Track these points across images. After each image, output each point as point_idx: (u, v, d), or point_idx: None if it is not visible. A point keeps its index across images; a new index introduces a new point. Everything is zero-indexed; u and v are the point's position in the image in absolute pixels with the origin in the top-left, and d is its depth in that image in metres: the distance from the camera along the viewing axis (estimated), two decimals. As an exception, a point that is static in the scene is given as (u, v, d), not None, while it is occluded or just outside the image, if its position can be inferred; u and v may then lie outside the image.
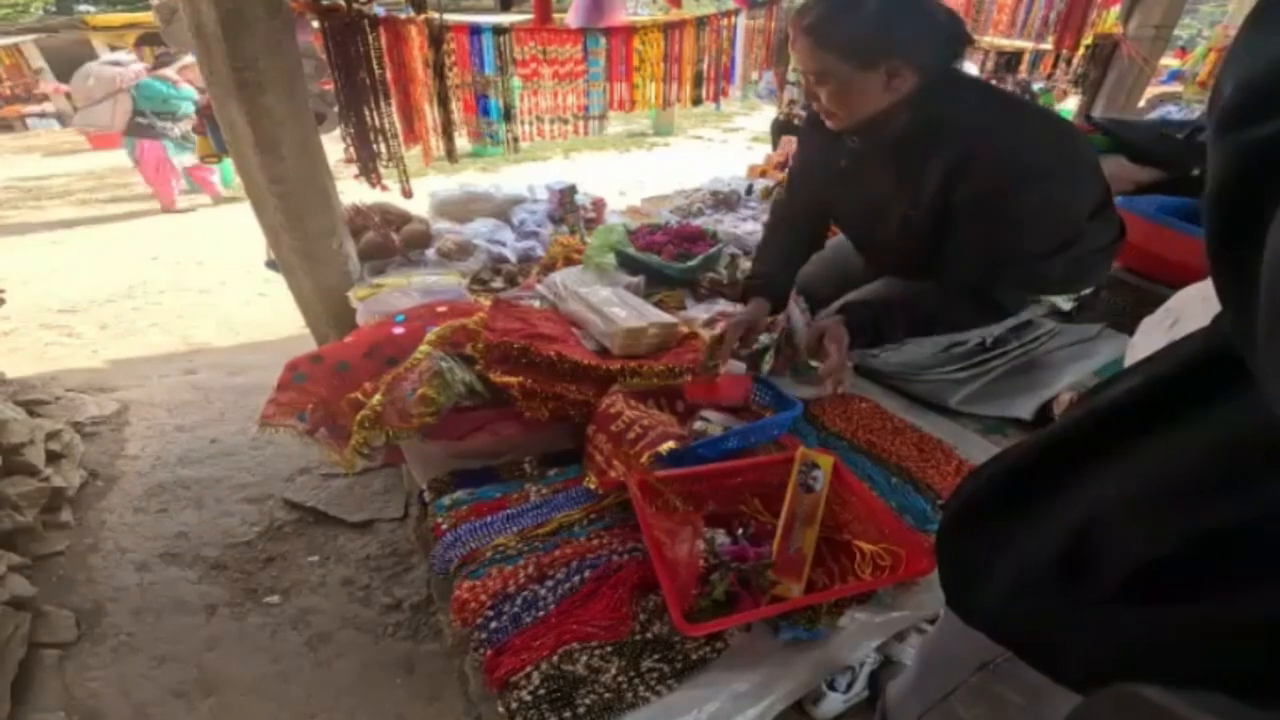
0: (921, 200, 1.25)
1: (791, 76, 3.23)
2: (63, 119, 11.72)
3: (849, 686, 1.00)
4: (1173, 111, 4.78)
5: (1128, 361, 0.64)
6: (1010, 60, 5.37)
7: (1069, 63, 4.37)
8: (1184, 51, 8.58)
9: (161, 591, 1.89)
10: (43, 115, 11.78)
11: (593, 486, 1.17)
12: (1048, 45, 4.44)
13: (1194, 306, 0.56)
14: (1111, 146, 2.53)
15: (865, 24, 1.05)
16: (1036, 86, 6.14)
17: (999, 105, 1.20)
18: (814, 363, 1.45)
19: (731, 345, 1.41)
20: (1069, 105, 6.06)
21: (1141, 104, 4.48)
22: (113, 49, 11.63)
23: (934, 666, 0.80)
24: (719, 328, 1.53)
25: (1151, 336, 0.60)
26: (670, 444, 1.10)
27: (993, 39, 4.57)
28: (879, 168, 1.30)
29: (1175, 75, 7.44)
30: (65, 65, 12.06)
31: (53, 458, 2.27)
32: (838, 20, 1.07)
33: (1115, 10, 3.98)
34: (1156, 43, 3.83)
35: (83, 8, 13.98)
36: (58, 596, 1.85)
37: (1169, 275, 1.82)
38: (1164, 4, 3.73)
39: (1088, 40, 4.14)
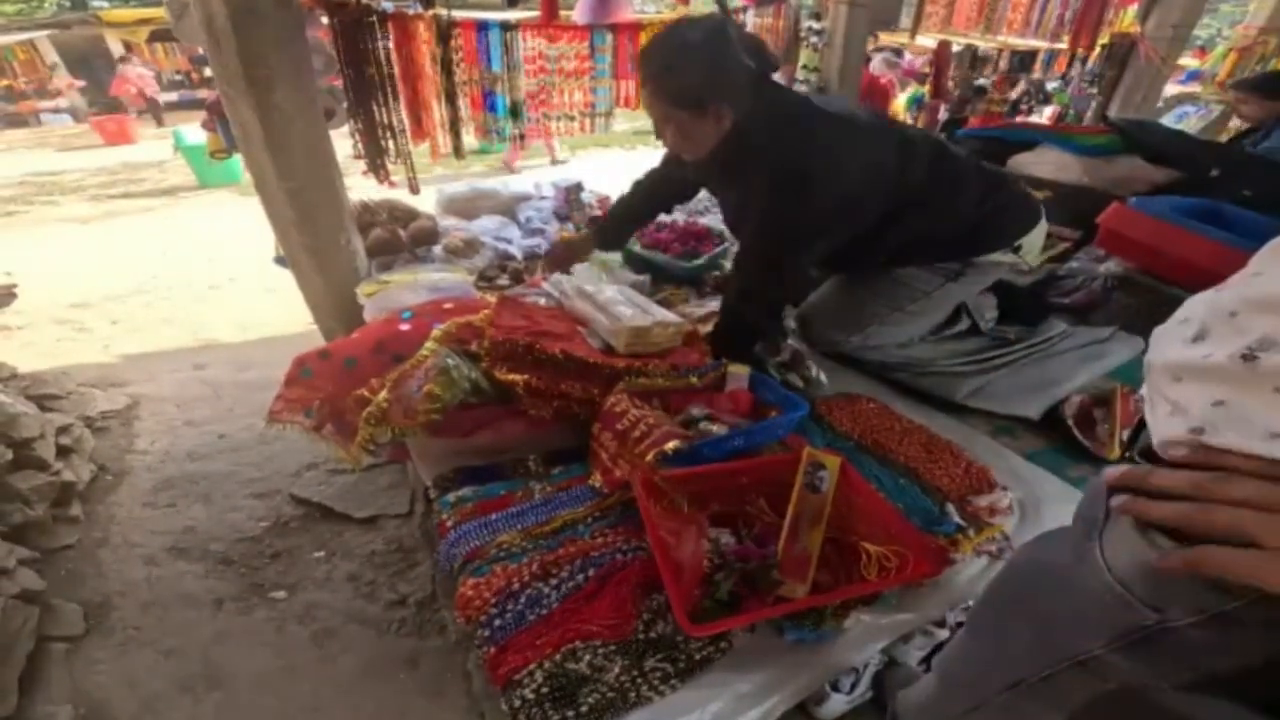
0: (745, 211, 1.45)
1: (800, 74, 3.21)
2: (76, 114, 11.85)
3: (853, 687, 0.99)
4: (1191, 112, 4.72)
5: (1148, 386, 0.62)
6: (1024, 60, 5.33)
7: (1084, 62, 4.33)
8: (1203, 51, 8.47)
9: (169, 586, 1.90)
10: (56, 111, 11.91)
11: (597, 485, 1.17)
12: (1063, 44, 4.40)
13: (1216, 320, 0.53)
14: (1127, 147, 2.50)
15: (690, 78, 1.26)
16: (1051, 86, 6.08)
17: (789, 121, 1.34)
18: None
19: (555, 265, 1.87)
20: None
21: (1159, 104, 4.42)
22: (126, 46, 11.78)
23: (956, 683, 0.78)
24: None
25: (1170, 351, 0.57)
26: (675, 443, 1.10)
27: (1006, 38, 4.53)
28: (719, 185, 1.59)
29: (1194, 75, 7.34)
30: (79, 60, 12.22)
31: (63, 452, 2.28)
32: (667, 76, 1.29)
33: (1133, 9, 3.94)
34: (1175, 42, 3.78)
35: (96, 3, 14.09)
36: (66, 590, 1.85)
37: (1184, 277, 1.80)
38: (1183, 3, 3.67)
39: (1104, 40, 4.10)
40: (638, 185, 1.88)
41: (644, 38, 2.56)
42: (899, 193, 1.42)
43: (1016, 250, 1.57)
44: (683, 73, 1.27)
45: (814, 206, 1.33)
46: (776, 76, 1.44)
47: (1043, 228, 1.60)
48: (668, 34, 1.31)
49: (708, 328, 1.68)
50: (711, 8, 2.89)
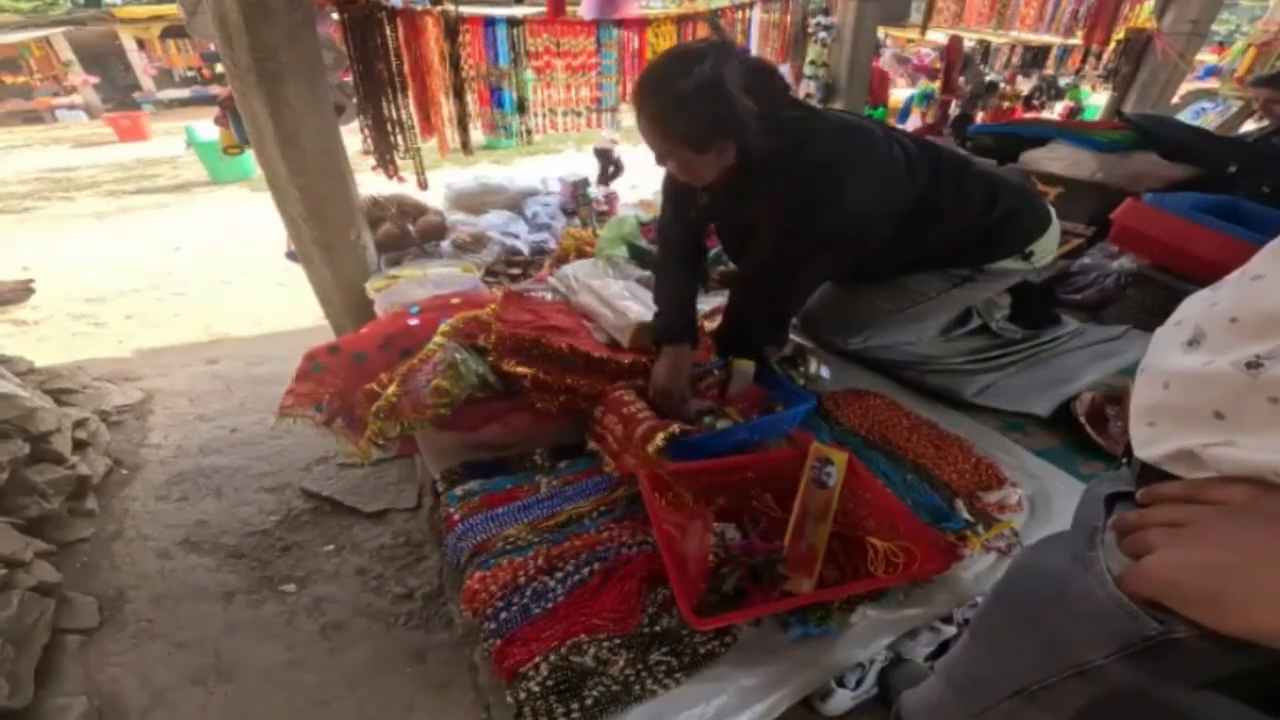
0: (755, 232, 1.43)
1: (808, 70, 3.19)
2: (90, 111, 11.97)
3: (858, 683, 0.99)
4: (1208, 108, 4.64)
5: (1135, 391, 0.60)
6: (1036, 55, 5.26)
7: (1098, 57, 4.27)
8: (1222, 47, 8.32)
9: (181, 579, 1.92)
10: (71, 107, 12.03)
11: (609, 469, 1.17)
12: (1076, 40, 4.34)
13: (1214, 325, 0.51)
14: (1142, 143, 2.47)
15: (691, 120, 1.23)
16: (1063, 82, 6.00)
17: (798, 148, 1.31)
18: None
19: (688, 396, 1.44)
20: (1098, 101, 5.92)
21: (1175, 100, 4.36)
22: (139, 42, 11.89)
23: (960, 687, 0.78)
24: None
25: (1168, 358, 0.55)
26: (679, 426, 1.10)
27: (1019, 33, 4.48)
28: (727, 207, 1.50)
29: (1212, 71, 7.21)
30: (93, 57, 12.34)
31: (79, 446, 2.30)
32: (668, 117, 1.24)
33: (1149, 5, 3.88)
34: (1193, 38, 3.72)
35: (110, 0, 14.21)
36: (81, 583, 1.88)
37: (1202, 274, 1.77)
38: (1201, -1, 3.62)
39: (1119, 35, 4.04)
40: (669, 268, 1.61)
41: (650, 33, 2.55)
42: (905, 205, 1.40)
43: (1028, 257, 1.54)
44: (678, 121, 1.23)
45: (827, 228, 1.31)
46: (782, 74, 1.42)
47: (1054, 232, 1.57)
48: (660, 78, 1.23)
49: (713, 324, 1.68)
50: (721, 3, 2.88)
